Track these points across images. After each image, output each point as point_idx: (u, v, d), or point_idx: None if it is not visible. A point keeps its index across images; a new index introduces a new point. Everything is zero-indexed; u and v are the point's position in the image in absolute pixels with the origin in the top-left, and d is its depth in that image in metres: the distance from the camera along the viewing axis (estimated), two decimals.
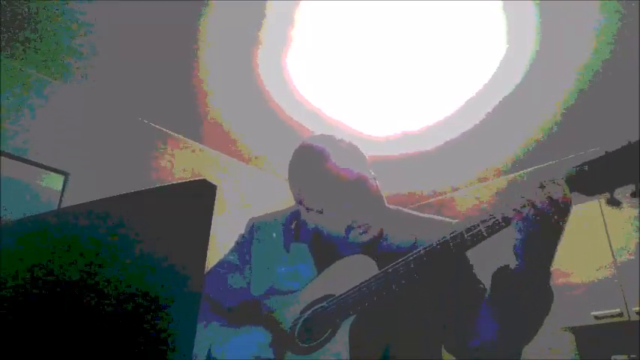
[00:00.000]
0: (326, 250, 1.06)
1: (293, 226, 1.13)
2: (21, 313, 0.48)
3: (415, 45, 2.25)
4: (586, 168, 0.79)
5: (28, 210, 2.15)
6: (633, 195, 0.76)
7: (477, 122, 2.82)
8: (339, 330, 0.92)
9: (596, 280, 2.57)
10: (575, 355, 2.76)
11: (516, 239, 0.85)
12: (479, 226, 0.85)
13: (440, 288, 0.97)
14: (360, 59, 2.34)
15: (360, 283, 0.93)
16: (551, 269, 0.86)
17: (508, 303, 0.88)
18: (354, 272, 0.96)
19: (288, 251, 1.09)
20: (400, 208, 1.15)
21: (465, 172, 3.45)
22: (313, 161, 1.02)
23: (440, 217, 1.11)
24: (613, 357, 2.53)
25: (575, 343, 2.77)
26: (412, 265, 0.90)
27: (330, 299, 0.96)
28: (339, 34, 2.19)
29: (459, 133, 2.92)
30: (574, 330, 2.72)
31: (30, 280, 0.49)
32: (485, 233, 0.84)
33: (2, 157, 2.17)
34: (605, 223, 2.62)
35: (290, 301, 1.03)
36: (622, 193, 0.78)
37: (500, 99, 2.61)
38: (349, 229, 1.00)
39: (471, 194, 3.59)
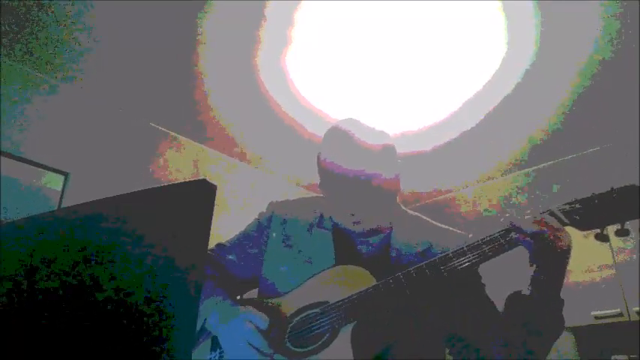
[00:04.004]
0: (345, 243, 1.07)
1: (317, 213, 1.14)
2: (21, 314, 0.48)
3: (415, 45, 2.25)
4: (578, 205, 0.88)
5: (28, 210, 2.15)
6: (618, 234, 0.87)
7: (477, 122, 2.82)
8: (340, 335, 0.91)
9: (596, 280, 2.56)
10: (575, 355, 2.76)
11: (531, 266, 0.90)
12: (478, 247, 0.90)
13: (446, 301, 0.97)
14: (359, 59, 2.34)
15: (360, 291, 0.93)
16: (561, 297, 0.90)
17: (518, 327, 0.90)
18: (346, 282, 0.96)
19: (310, 234, 1.09)
20: (420, 215, 1.16)
21: (465, 173, 3.45)
22: (321, 151, 1.10)
23: (457, 230, 1.12)
24: (613, 357, 2.53)
25: (575, 343, 2.77)
26: (415, 276, 0.91)
27: (326, 306, 0.95)
28: (339, 34, 2.19)
29: (458, 133, 2.91)
30: (574, 330, 2.72)
31: (30, 281, 0.49)
32: (476, 259, 0.89)
33: (2, 157, 2.17)
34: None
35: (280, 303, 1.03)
36: (612, 229, 0.89)
37: (501, 99, 2.61)
38: (349, 218, 1.04)
39: (471, 194, 3.59)
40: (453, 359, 1.02)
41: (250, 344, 0.93)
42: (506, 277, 1.15)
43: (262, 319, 0.95)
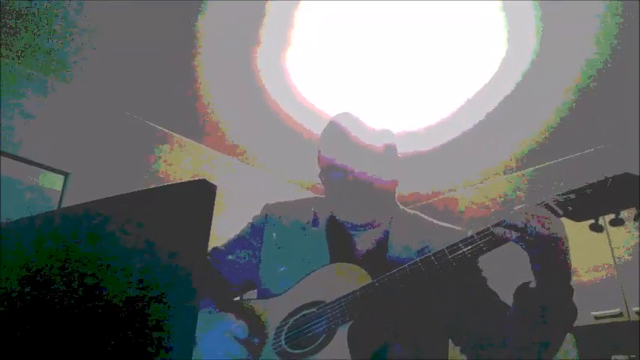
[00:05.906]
0: (341, 241, 1.07)
1: (312, 211, 1.14)
2: (21, 314, 0.48)
3: (415, 45, 2.25)
4: (572, 196, 0.86)
5: (28, 210, 2.15)
6: (612, 223, 0.85)
7: (478, 122, 2.81)
8: (337, 334, 0.91)
9: (596, 280, 2.57)
10: (575, 355, 2.76)
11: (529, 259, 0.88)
12: (471, 242, 0.89)
13: (444, 296, 0.97)
14: (360, 59, 2.34)
15: (356, 289, 0.92)
16: (570, 285, 0.88)
17: (527, 320, 0.89)
18: (342, 280, 0.95)
19: (305, 234, 1.09)
20: (419, 213, 1.16)
21: (466, 172, 3.45)
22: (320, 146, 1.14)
23: (455, 227, 1.11)
24: (613, 357, 2.53)
25: (575, 343, 2.77)
26: (410, 273, 0.91)
27: (322, 305, 0.95)
28: (339, 34, 2.19)
29: (459, 132, 2.91)
30: (574, 330, 2.72)
31: (30, 281, 0.49)
32: (469, 254, 0.88)
33: (2, 157, 2.17)
34: (605, 223, 2.62)
35: (275, 304, 1.02)
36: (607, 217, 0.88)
37: (501, 99, 2.61)
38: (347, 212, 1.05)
39: (472, 194, 3.59)
40: (467, 358, 1.02)
41: (229, 353, 0.92)
42: (518, 270, 1.14)
43: (241, 328, 0.95)
